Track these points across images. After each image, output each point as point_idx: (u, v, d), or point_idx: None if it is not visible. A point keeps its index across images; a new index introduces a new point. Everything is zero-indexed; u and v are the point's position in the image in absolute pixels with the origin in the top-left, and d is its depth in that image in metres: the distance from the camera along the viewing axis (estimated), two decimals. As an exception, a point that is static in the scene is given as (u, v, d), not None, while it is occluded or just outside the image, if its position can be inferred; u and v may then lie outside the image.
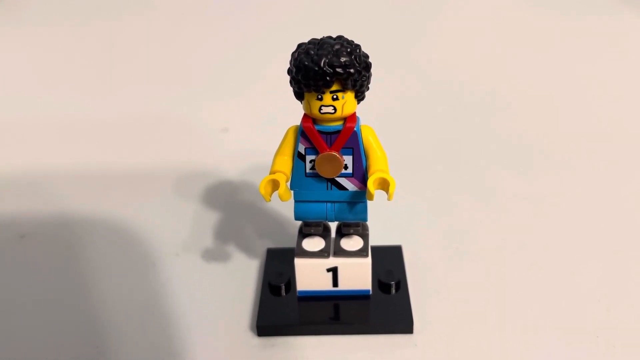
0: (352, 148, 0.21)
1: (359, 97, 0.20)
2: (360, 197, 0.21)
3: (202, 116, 0.39)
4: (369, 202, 0.22)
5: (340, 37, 0.20)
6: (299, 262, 0.23)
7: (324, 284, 0.23)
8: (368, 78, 0.20)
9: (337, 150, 0.21)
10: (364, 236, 0.23)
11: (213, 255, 0.27)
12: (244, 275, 0.26)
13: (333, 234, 0.24)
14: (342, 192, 0.21)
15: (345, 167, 0.21)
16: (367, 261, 0.23)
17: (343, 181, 0.21)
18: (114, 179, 0.33)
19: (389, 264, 0.25)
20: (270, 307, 0.23)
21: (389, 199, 0.20)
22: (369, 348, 0.22)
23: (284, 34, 0.48)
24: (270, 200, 0.20)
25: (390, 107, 0.38)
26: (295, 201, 0.22)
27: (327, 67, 0.19)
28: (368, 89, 0.21)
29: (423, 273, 0.25)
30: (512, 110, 0.38)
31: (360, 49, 0.20)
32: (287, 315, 0.23)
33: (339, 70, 0.19)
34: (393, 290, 0.24)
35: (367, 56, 0.20)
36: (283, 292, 0.24)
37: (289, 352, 0.22)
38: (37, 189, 0.32)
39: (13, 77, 0.45)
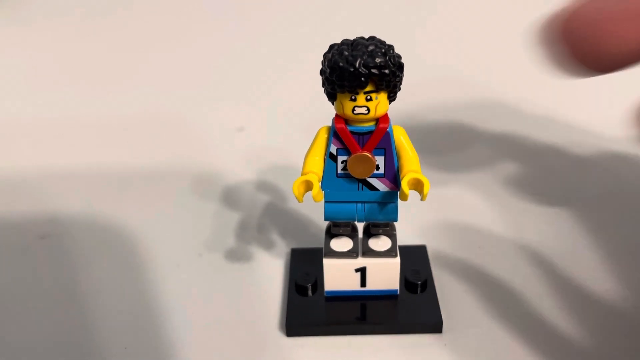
0: (385, 148, 0.21)
1: (391, 97, 0.20)
2: (392, 197, 0.21)
3: (217, 115, 0.38)
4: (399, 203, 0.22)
5: (373, 38, 0.20)
6: (327, 263, 0.23)
7: (352, 284, 0.23)
8: (401, 78, 0.20)
9: (369, 151, 0.21)
10: (392, 236, 0.23)
11: (236, 255, 0.27)
12: (269, 275, 0.26)
13: (360, 234, 0.24)
14: (373, 192, 0.21)
15: (377, 168, 0.21)
16: (396, 261, 0.23)
17: (374, 182, 0.21)
18: (132, 181, 0.32)
19: (414, 263, 0.25)
20: (298, 307, 0.23)
21: (422, 200, 0.20)
22: (398, 348, 0.22)
23: (297, 33, 0.48)
24: (302, 201, 0.20)
25: (409, 103, 0.38)
26: (326, 202, 0.22)
27: (363, 68, 0.19)
28: (400, 89, 0.21)
29: (448, 272, 0.25)
30: (529, 107, 0.38)
31: (393, 49, 0.20)
32: (316, 315, 0.23)
33: (374, 71, 0.19)
34: (419, 290, 0.24)
35: (400, 57, 0.20)
36: (310, 292, 0.24)
37: (318, 352, 0.22)
38: (54, 190, 0.32)
39: (18, 77, 0.45)
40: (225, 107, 0.39)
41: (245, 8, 0.54)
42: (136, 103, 0.40)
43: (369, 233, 0.23)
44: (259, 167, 0.33)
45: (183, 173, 0.33)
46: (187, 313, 0.24)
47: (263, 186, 0.31)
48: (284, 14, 0.52)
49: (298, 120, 0.35)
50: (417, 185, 0.20)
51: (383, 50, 0.19)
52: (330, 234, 0.23)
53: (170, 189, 0.32)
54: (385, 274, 0.23)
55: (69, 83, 0.43)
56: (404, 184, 0.20)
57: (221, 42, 0.49)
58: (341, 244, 0.23)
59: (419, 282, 0.24)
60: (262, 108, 0.39)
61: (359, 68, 0.19)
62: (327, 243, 0.23)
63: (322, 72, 0.20)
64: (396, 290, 0.23)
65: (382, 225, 0.23)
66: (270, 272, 0.26)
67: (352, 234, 0.23)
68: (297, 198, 0.20)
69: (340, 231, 0.23)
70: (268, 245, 0.27)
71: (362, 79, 0.19)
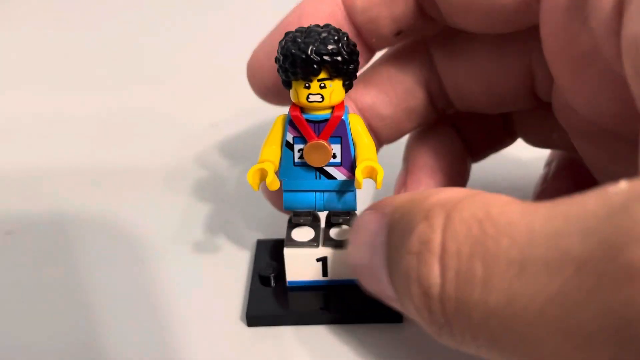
0: (341, 137, 0.21)
1: (347, 85, 0.20)
2: (349, 186, 0.21)
3: (190, 112, 0.38)
4: (357, 192, 0.22)
5: (327, 26, 0.20)
6: (288, 252, 0.23)
7: (313, 274, 0.23)
8: (356, 66, 0.20)
9: (325, 139, 0.21)
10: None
11: (203, 247, 0.27)
12: (234, 267, 0.25)
13: (323, 224, 0.24)
14: (330, 181, 0.21)
15: (334, 156, 0.21)
16: (357, 251, 0.23)
17: (332, 170, 0.21)
18: (102, 175, 0.32)
19: None
20: (260, 297, 0.23)
21: (377, 187, 0.20)
22: (359, 337, 0.22)
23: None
24: (258, 189, 0.20)
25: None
26: (284, 191, 0.22)
27: (315, 55, 0.19)
28: (356, 77, 0.21)
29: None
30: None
31: (347, 37, 0.20)
32: (277, 305, 0.23)
33: (326, 58, 0.19)
34: None
35: (354, 44, 0.20)
36: (272, 283, 0.24)
37: (280, 342, 0.22)
38: (23, 185, 0.32)
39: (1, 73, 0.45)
40: (199, 103, 0.39)
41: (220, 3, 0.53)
42: (107, 100, 0.40)
43: (331, 223, 0.23)
44: (231, 161, 0.33)
45: (154, 168, 0.33)
46: (149, 304, 0.24)
47: (233, 180, 0.31)
48: (256, 9, 0.52)
49: (271, 114, 0.35)
50: (372, 173, 0.20)
51: (336, 38, 0.19)
52: (292, 223, 0.23)
53: (142, 184, 0.32)
54: (346, 264, 0.23)
55: (39, 80, 0.43)
56: (358, 172, 0.20)
57: (195, 37, 0.49)
58: (302, 233, 0.23)
59: None
60: (235, 104, 0.39)
61: (311, 55, 0.19)
62: (288, 233, 0.23)
63: (276, 60, 0.20)
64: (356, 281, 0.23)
65: (343, 214, 0.23)
66: (236, 263, 0.26)
67: (314, 223, 0.23)
68: (252, 187, 0.20)
69: (301, 221, 0.23)
70: (235, 238, 0.27)
71: (315, 66, 0.19)
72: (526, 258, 0.13)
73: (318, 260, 0.23)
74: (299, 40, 0.19)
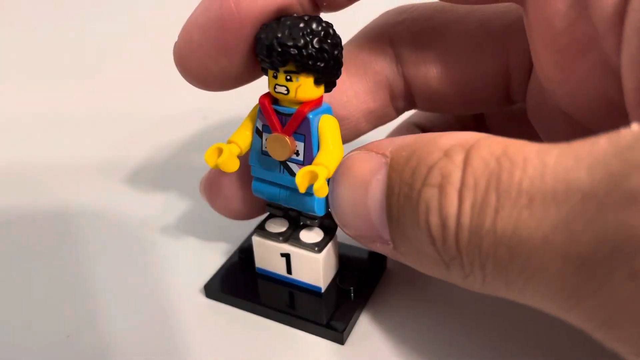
0: (304, 135, 0.20)
1: (319, 82, 0.19)
2: (310, 188, 0.20)
3: (181, 105, 0.38)
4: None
5: (312, 18, 0.19)
6: (255, 240, 0.23)
7: (279, 267, 0.23)
8: (330, 65, 0.19)
9: (288, 134, 0.20)
10: (330, 230, 0.22)
11: (200, 229, 0.27)
12: (224, 247, 0.26)
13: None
14: (292, 178, 0.20)
15: (297, 154, 0.20)
16: (318, 257, 0.21)
17: (294, 167, 0.20)
18: (91, 168, 0.32)
19: (363, 267, 0.23)
20: (228, 274, 0.24)
21: (316, 195, 0.18)
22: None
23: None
24: (215, 167, 0.20)
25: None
26: (254, 177, 0.21)
27: (277, 45, 0.18)
28: (335, 76, 0.19)
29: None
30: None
31: (328, 35, 0.18)
32: (238, 286, 0.23)
33: (290, 50, 0.18)
34: (352, 296, 0.22)
35: (335, 45, 0.18)
36: (246, 265, 0.24)
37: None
38: (14, 180, 0.32)
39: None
40: (189, 95, 0.38)
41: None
42: (99, 96, 0.40)
43: (299, 222, 0.22)
44: None
45: (146, 161, 0.33)
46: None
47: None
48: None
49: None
50: (312, 179, 0.19)
51: (309, 30, 0.18)
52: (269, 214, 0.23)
53: (137, 175, 0.32)
54: (308, 268, 0.22)
55: (34, 77, 0.43)
56: (297, 175, 0.18)
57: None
58: (276, 224, 0.23)
59: (351, 289, 0.22)
60: (225, 97, 0.38)
61: (274, 44, 0.18)
62: (264, 220, 0.23)
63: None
64: (320, 288, 0.22)
65: (309, 216, 0.22)
66: (229, 244, 0.26)
67: (290, 215, 0.23)
68: (208, 164, 0.20)
69: (272, 211, 0.22)
70: (233, 225, 0.26)
71: (278, 56, 0.18)
72: (536, 189, 0.13)
73: (282, 255, 0.22)
74: (273, 27, 0.18)
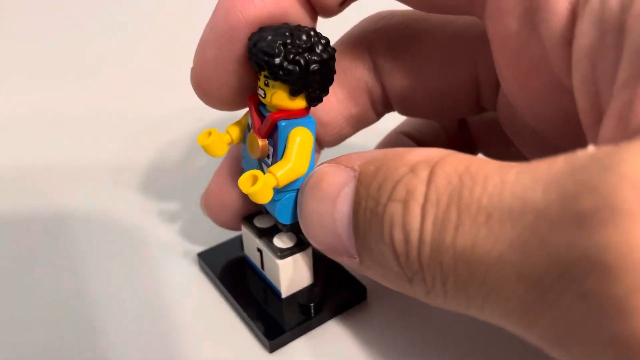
0: (273, 140, 0.20)
1: (297, 95, 0.19)
2: (275, 194, 0.20)
3: (176, 107, 0.37)
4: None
5: (304, 30, 0.18)
6: (242, 227, 0.23)
7: (256, 260, 0.23)
8: (307, 81, 0.18)
9: (261, 135, 0.20)
10: (304, 243, 0.22)
11: (199, 230, 0.27)
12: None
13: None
14: (265, 177, 0.21)
15: (268, 157, 0.20)
16: (278, 262, 0.22)
17: (265, 169, 0.20)
18: (86, 171, 0.32)
19: (339, 292, 0.23)
20: (225, 251, 0.25)
21: (250, 197, 0.19)
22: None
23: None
24: (204, 147, 0.21)
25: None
26: (244, 168, 0.22)
27: (254, 50, 0.18)
28: (314, 94, 0.19)
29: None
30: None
31: (311, 50, 0.18)
32: (225, 264, 0.24)
33: (263, 57, 0.18)
34: (312, 313, 0.22)
35: (317, 61, 0.18)
36: (243, 248, 0.25)
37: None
38: (12, 181, 0.32)
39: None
40: (184, 97, 0.36)
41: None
42: (96, 97, 0.39)
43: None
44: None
45: (146, 162, 0.33)
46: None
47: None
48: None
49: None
50: (253, 183, 0.19)
51: (289, 42, 0.18)
52: None
53: (135, 177, 0.32)
54: (273, 270, 0.22)
55: (30, 77, 0.42)
56: (240, 177, 0.19)
57: (180, 38, 0.41)
58: (263, 219, 0.23)
59: (311, 305, 0.22)
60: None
61: (251, 48, 0.18)
62: (256, 212, 0.23)
63: None
64: (280, 293, 0.22)
65: (278, 222, 0.22)
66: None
67: None
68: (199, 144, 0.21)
69: (258, 206, 0.23)
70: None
71: (254, 61, 0.18)
72: (494, 206, 0.14)
73: (258, 250, 0.23)
74: (261, 32, 0.19)
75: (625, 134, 0.13)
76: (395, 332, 0.22)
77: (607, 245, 0.11)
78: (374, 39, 0.23)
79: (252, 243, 0.23)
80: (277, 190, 0.20)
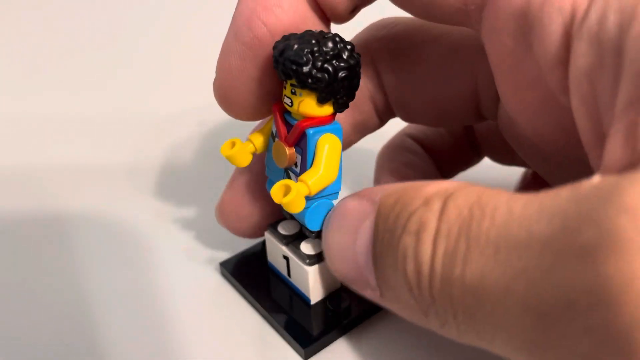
0: (302, 149, 0.20)
1: (326, 102, 0.19)
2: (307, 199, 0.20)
3: (177, 111, 0.37)
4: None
5: (329, 37, 0.18)
6: (266, 235, 0.23)
7: (282, 267, 0.23)
8: (335, 88, 0.18)
9: (288, 144, 0.20)
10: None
11: (199, 232, 0.27)
12: (224, 255, 0.26)
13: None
14: (292, 186, 0.21)
15: (296, 165, 0.20)
16: (307, 269, 0.22)
17: (293, 177, 0.20)
18: (91, 174, 0.32)
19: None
20: (247, 258, 0.25)
21: (285, 208, 0.19)
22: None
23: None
24: (227, 157, 0.21)
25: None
26: (268, 178, 0.22)
27: (281, 59, 0.18)
28: (340, 101, 0.19)
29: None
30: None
31: (339, 57, 0.18)
32: (249, 272, 0.24)
33: (290, 66, 0.18)
34: (343, 318, 0.22)
35: (345, 68, 0.18)
36: (266, 255, 0.25)
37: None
38: (9, 182, 0.32)
39: None
40: (184, 100, 0.37)
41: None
42: (97, 99, 0.39)
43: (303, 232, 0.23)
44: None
45: (144, 167, 0.32)
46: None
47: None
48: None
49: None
50: (287, 193, 0.19)
51: (316, 50, 0.18)
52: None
53: (133, 178, 0.31)
54: (300, 276, 0.22)
55: (30, 78, 0.42)
56: (273, 186, 0.19)
57: (185, 38, 0.45)
58: (287, 225, 0.23)
59: (339, 309, 0.22)
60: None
61: (277, 57, 0.18)
62: (280, 219, 0.23)
63: None
64: (309, 300, 0.22)
65: (306, 228, 0.22)
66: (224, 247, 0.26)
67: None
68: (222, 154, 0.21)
69: (284, 213, 0.23)
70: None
71: (280, 69, 0.18)
72: (502, 238, 0.14)
73: (284, 257, 0.23)
74: (287, 40, 0.19)
75: (633, 156, 0.13)
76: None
77: (609, 277, 0.11)
78: (377, 47, 0.23)
79: (276, 250, 0.23)
80: (307, 198, 0.20)
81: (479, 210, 0.14)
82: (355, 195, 0.19)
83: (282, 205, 0.19)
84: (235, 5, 0.20)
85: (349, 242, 0.18)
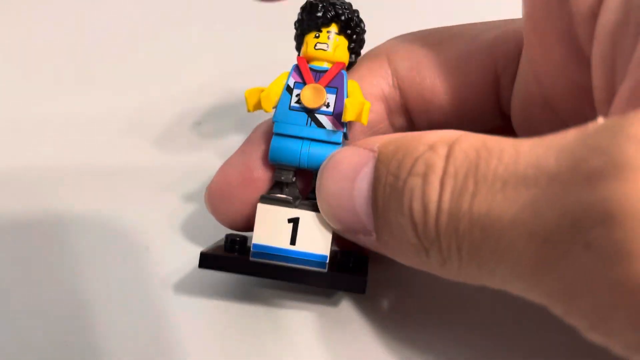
0: (337, 88, 0.22)
1: (351, 50, 0.22)
2: (336, 137, 0.22)
3: (175, 110, 0.37)
4: None
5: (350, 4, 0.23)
6: (261, 208, 0.22)
7: (281, 239, 0.22)
8: (361, 36, 0.22)
9: (324, 83, 0.22)
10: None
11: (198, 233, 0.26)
12: None
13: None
14: (319, 130, 0.22)
15: (327, 106, 0.22)
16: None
17: (322, 118, 0.22)
18: (90, 176, 0.31)
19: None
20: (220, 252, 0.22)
21: (364, 123, 0.20)
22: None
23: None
24: (252, 110, 0.22)
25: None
26: (275, 134, 0.22)
27: (330, 6, 0.22)
28: (359, 48, 0.23)
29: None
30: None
31: (359, 16, 0.23)
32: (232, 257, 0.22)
33: (338, 11, 0.22)
34: (352, 267, 0.22)
35: (362, 26, 0.23)
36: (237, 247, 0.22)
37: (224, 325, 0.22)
38: (8, 184, 0.31)
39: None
40: (183, 100, 0.38)
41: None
42: (94, 100, 0.39)
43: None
44: (218, 158, 0.31)
45: (142, 168, 0.32)
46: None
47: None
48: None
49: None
50: (361, 107, 0.21)
51: (347, 7, 0.22)
52: (276, 182, 0.23)
53: (131, 179, 0.31)
54: (316, 233, 0.22)
55: (28, 78, 0.41)
56: (347, 101, 0.21)
57: (185, 38, 0.46)
58: (283, 192, 0.23)
59: (349, 264, 0.22)
60: (220, 103, 0.37)
61: (326, 5, 0.22)
62: (269, 191, 0.23)
63: (296, 22, 0.23)
64: (325, 257, 0.22)
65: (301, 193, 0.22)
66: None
67: (296, 186, 0.23)
68: (247, 105, 0.21)
69: (282, 178, 0.23)
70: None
71: (327, 15, 0.22)
72: (510, 174, 0.14)
73: (290, 221, 0.22)
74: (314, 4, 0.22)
75: (637, 107, 0.14)
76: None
77: (612, 198, 0.12)
78: (394, 49, 0.24)
79: (277, 219, 0.22)
80: (331, 131, 0.22)
81: (486, 152, 0.15)
82: (350, 145, 0.20)
83: (364, 111, 0.20)
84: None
85: (345, 189, 0.19)
